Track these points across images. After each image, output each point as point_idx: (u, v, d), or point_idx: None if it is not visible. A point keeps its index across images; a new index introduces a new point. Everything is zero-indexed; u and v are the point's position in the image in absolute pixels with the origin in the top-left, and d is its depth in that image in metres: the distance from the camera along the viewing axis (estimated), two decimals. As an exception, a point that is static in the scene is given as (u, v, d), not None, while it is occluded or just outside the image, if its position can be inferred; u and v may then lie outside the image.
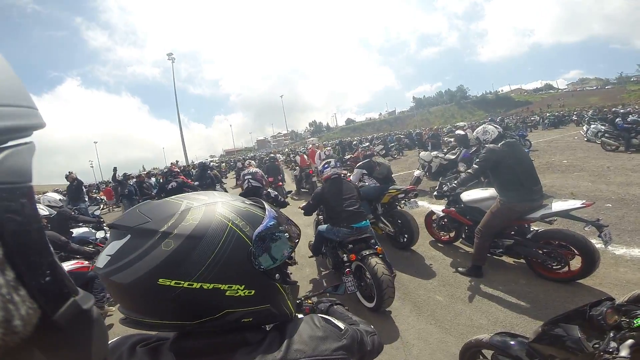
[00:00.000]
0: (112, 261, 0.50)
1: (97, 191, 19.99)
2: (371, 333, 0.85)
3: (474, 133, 3.44)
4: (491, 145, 3.16)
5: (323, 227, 3.30)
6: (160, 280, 0.49)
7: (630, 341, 1.09)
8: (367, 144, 5.76)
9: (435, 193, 3.92)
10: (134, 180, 10.68)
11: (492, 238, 3.15)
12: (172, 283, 0.50)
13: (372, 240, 3.06)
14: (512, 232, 3.18)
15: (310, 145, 11.82)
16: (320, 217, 3.86)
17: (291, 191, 7.88)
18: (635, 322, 1.15)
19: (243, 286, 0.56)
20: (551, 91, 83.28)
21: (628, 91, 47.78)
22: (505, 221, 3.07)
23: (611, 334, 1.16)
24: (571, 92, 71.23)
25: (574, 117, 23.57)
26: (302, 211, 3.46)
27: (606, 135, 10.37)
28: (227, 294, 0.55)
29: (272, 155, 13.45)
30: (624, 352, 1.06)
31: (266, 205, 0.69)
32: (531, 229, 3.11)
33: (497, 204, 3.06)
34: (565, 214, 2.83)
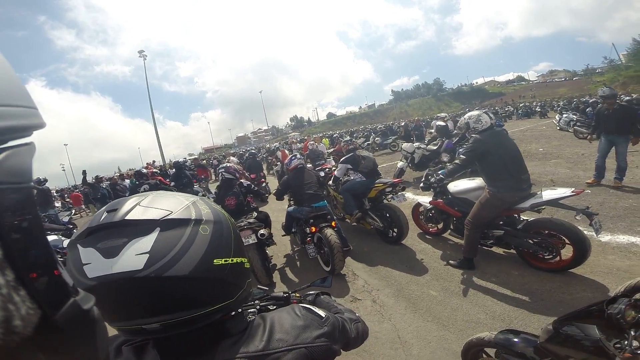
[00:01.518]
0: (155, 257, 0.48)
1: (68, 196, 18.99)
2: (355, 320, 0.88)
3: (465, 118, 3.30)
4: (477, 135, 3.07)
5: (291, 208, 3.97)
6: (215, 260, 0.53)
7: None
8: (348, 138, 5.57)
9: (421, 185, 3.86)
10: (107, 183, 10.27)
11: (482, 229, 3.09)
12: (222, 261, 0.55)
13: (329, 217, 3.66)
14: (501, 223, 3.13)
15: (306, 137, 11.92)
16: (290, 201, 4.38)
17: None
18: None
19: (246, 259, 0.64)
20: (523, 83, 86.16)
21: (594, 82, 50.14)
22: (495, 212, 3.00)
23: (632, 332, 1.09)
24: (541, 84, 74.10)
25: (537, 109, 23.57)
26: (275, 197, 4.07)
27: (578, 124, 10.71)
28: (245, 265, 0.62)
29: (252, 151, 12.84)
30: None
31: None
32: (520, 219, 3.07)
33: (486, 194, 3.00)
34: (555, 203, 2.79)
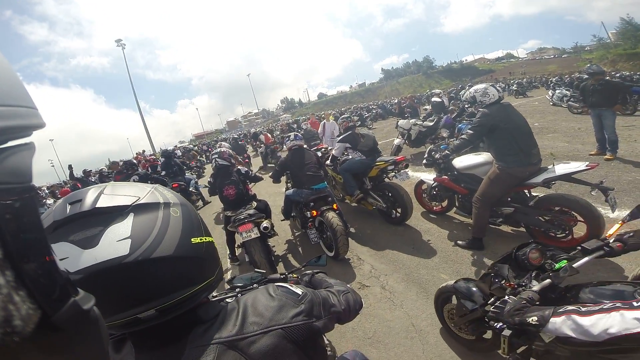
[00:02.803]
0: (138, 241, 0.48)
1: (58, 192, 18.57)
2: (344, 292, 0.86)
3: (471, 91, 3.12)
4: (485, 109, 2.89)
5: (290, 191, 3.75)
6: (192, 239, 0.55)
7: (547, 281, 1.22)
8: (347, 115, 5.39)
9: (424, 161, 3.70)
10: (97, 176, 10.00)
11: (491, 207, 2.96)
12: (199, 240, 0.57)
13: (330, 199, 3.52)
14: (510, 200, 3.00)
15: (310, 115, 10.84)
16: (288, 184, 4.22)
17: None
18: (556, 265, 1.30)
19: (212, 238, 0.64)
20: (512, 60, 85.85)
21: (583, 59, 50.26)
22: (505, 188, 2.88)
23: (533, 273, 1.35)
24: (531, 61, 73.94)
25: (514, 87, 21.86)
26: (272, 179, 3.92)
27: (572, 99, 10.65)
28: (214, 245, 0.64)
29: (234, 136, 15.00)
30: (535, 288, 1.20)
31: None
32: (531, 195, 2.94)
33: (495, 169, 2.86)
34: (568, 177, 2.66)
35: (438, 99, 9.24)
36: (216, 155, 3.64)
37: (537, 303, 1.12)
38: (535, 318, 0.99)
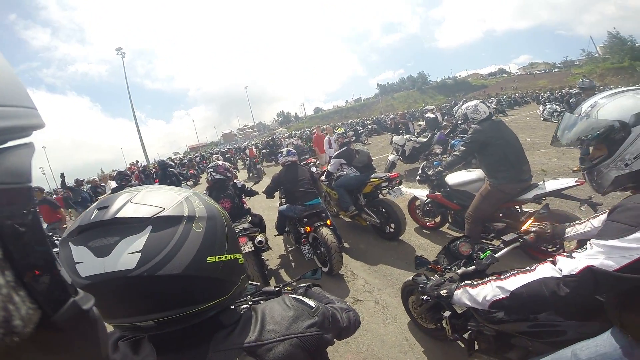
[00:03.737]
0: (148, 256, 0.48)
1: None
2: (346, 310, 0.88)
3: (462, 109, 3.21)
4: (477, 125, 2.97)
5: (283, 207, 3.75)
6: (208, 258, 0.54)
7: (472, 267, 1.40)
8: (342, 131, 5.41)
9: (418, 177, 3.77)
10: (88, 186, 9.90)
11: (483, 222, 3.00)
12: (216, 258, 0.56)
13: (324, 214, 3.52)
14: (502, 215, 3.04)
15: (314, 129, 9.94)
16: (282, 199, 4.22)
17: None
18: (482, 254, 1.45)
19: (240, 255, 0.64)
20: (504, 75, 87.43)
21: (573, 74, 51.60)
22: (496, 204, 2.92)
23: (463, 262, 1.52)
24: (522, 76, 75.67)
25: (493, 105, 22.16)
26: (265, 195, 3.91)
27: (562, 114, 10.85)
28: (239, 262, 0.64)
29: (222, 150, 16.76)
30: (459, 271, 1.38)
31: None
32: (522, 211, 2.99)
33: (487, 186, 2.91)
34: (558, 193, 2.71)
35: (432, 115, 9.40)
36: (212, 170, 3.65)
37: (457, 282, 1.24)
38: (445, 291, 1.16)
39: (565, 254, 0.95)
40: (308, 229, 3.34)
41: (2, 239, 0.23)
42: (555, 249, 2.70)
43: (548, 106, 13.17)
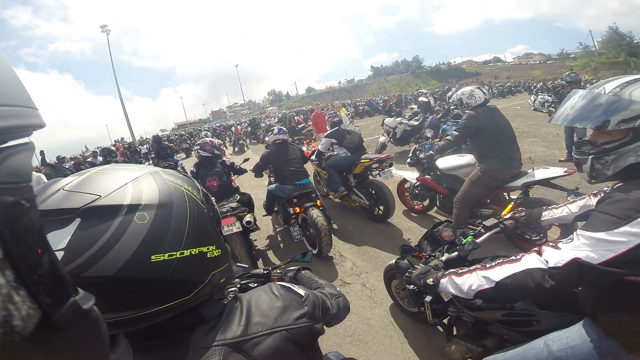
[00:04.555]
0: (71, 255, 0.41)
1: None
2: (336, 295, 0.85)
3: (458, 94, 3.17)
4: (472, 111, 2.95)
5: (272, 186, 3.64)
6: (153, 257, 0.46)
7: (455, 253, 1.40)
8: (333, 111, 5.30)
9: (408, 160, 3.75)
10: (71, 162, 9.76)
11: (471, 207, 3.02)
12: (165, 256, 0.47)
13: (313, 195, 3.44)
14: (489, 201, 3.07)
15: (314, 106, 9.05)
16: (271, 178, 4.16)
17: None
18: (464, 240, 1.45)
19: (214, 246, 0.56)
20: (499, 64, 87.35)
21: (567, 66, 51.91)
22: (485, 189, 2.94)
23: (445, 247, 1.52)
24: (516, 65, 75.68)
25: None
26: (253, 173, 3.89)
27: (553, 105, 10.98)
28: (208, 255, 0.55)
29: (214, 127, 18.65)
30: (442, 258, 1.37)
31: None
32: (509, 198, 3.01)
33: (477, 171, 2.91)
34: (546, 182, 2.72)
35: (425, 99, 9.37)
36: (198, 147, 3.53)
37: (442, 270, 1.24)
38: (431, 279, 1.15)
39: (550, 244, 0.93)
40: (298, 209, 3.28)
41: (2, 239, 0.22)
42: (539, 237, 2.74)
43: (540, 96, 13.15)
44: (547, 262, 0.89)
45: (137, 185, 0.49)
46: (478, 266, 1.04)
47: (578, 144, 1.05)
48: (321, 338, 2.00)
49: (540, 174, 2.73)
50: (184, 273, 0.50)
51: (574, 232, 0.89)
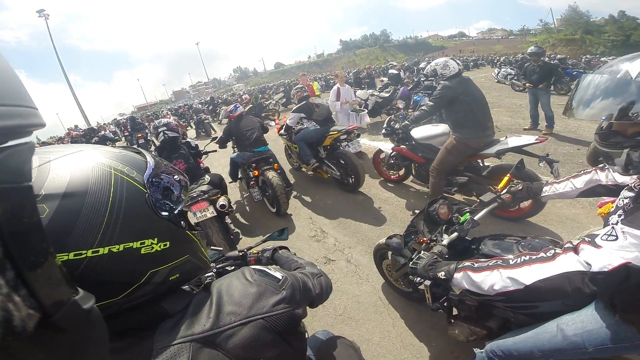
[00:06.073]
0: None
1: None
2: (317, 275, 0.81)
3: (432, 64, 3.14)
4: (447, 82, 2.93)
5: (234, 154, 4.02)
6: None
7: (454, 234, 1.30)
8: (300, 86, 5.05)
9: (383, 131, 3.72)
10: None
11: (446, 175, 3.06)
12: (72, 256, 0.40)
13: (271, 160, 3.75)
14: (463, 169, 3.11)
15: (299, 77, 7.60)
16: (234, 148, 4.35)
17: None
18: (461, 218, 1.38)
19: (156, 239, 0.48)
20: (463, 38, 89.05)
21: (527, 42, 53.68)
22: (460, 157, 2.97)
23: (444, 227, 1.44)
24: (481, 40, 77.39)
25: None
26: (218, 145, 4.10)
27: (515, 78, 11.40)
28: (142, 251, 0.46)
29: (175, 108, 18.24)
30: (444, 242, 1.27)
31: (142, 150, 0.57)
32: (484, 165, 3.07)
33: (452, 140, 2.93)
34: (519, 150, 2.77)
35: (395, 71, 9.39)
36: (164, 128, 3.17)
37: (447, 256, 1.19)
38: (443, 273, 1.06)
39: (587, 240, 0.83)
40: (256, 173, 3.58)
41: (3, 238, 0.22)
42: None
43: (502, 69, 13.72)
44: (588, 264, 0.79)
45: (43, 171, 0.41)
46: (499, 262, 0.96)
47: (604, 136, 0.91)
48: (312, 318, 1.86)
49: (514, 141, 2.77)
50: (101, 274, 0.42)
51: (615, 227, 0.79)
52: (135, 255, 0.46)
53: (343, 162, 3.90)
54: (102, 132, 14.18)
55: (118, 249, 0.43)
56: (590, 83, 0.89)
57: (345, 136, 3.90)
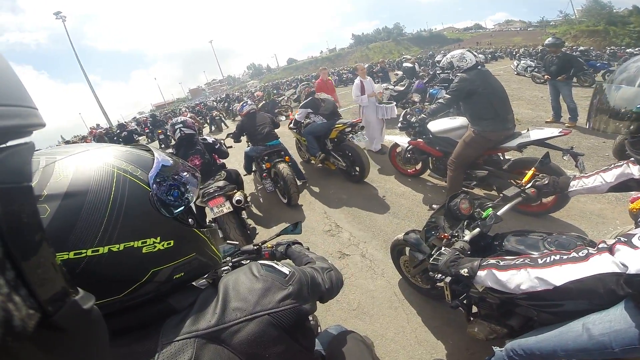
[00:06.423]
0: None
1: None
2: (327, 269, 0.81)
3: (448, 57, 3.08)
4: (464, 74, 2.86)
5: (248, 148, 4.22)
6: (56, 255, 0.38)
7: (477, 230, 1.26)
8: (306, 82, 5.19)
9: (399, 125, 3.67)
10: None
11: (465, 169, 2.99)
12: (72, 255, 0.41)
13: (282, 152, 3.94)
14: (483, 162, 3.02)
15: (320, 71, 7.22)
16: (248, 143, 4.48)
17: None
18: (483, 213, 1.34)
19: (159, 238, 0.48)
20: (480, 30, 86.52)
21: (547, 33, 51.71)
22: (479, 151, 2.90)
23: (465, 223, 1.39)
24: (497, 32, 75.04)
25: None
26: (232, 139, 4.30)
27: (535, 70, 11.03)
28: (144, 251, 0.47)
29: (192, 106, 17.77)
30: (466, 237, 1.23)
31: (152, 148, 0.57)
32: (505, 159, 2.97)
33: (471, 133, 2.85)
34: (541, 143, 2.67)
35: (409, 64, 9.23)
36: (180, 125, 3.25)
37: (469, 252, 1.16)
38: (466, 270, 1.03)
39: (623, 240, 0.80)
40: (268, 165, 3.77)
41: (3, 238, 0.22)
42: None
43: (522, 61, 13.32)
44: (624, 266, 0.76)
45: (47, 171, 0.42)
46: (527, 261, 0.92)
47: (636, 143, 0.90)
48: (325, 313, 1.85)
49: (536, 134, 2.68)
50: (101, 272, 0.43)
51: None
52: (137, 254, 0.46)
53: (349, 154, 4.04)
54: (130, 128, 14.60)
55: (118, 248, 0.44)
56: (610, 93, 0.88)
57: (349, 129, 4.00)
